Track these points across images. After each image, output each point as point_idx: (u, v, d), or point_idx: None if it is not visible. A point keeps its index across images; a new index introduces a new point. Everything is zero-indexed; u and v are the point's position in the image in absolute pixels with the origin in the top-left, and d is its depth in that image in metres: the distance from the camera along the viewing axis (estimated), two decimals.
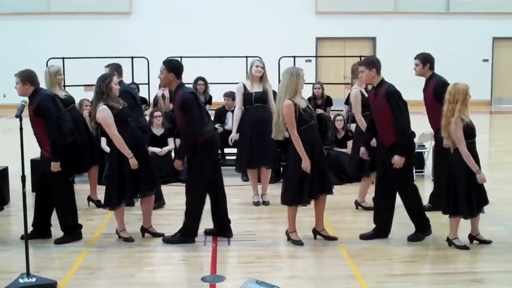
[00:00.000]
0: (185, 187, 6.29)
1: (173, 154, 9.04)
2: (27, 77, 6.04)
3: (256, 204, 7.85)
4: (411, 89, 8.94)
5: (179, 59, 7.79)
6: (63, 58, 11.47)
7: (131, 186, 6.18)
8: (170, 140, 9.29)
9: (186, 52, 13.62)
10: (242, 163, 7.97)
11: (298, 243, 6.18)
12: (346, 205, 7.72)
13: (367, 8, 21.31)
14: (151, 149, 8.51)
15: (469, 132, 5.82)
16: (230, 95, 9.74)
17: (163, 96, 10.34)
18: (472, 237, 6.16)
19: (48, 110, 6.00)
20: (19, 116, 4.93)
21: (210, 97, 10.79)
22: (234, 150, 8.41)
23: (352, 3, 21.22)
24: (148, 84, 11.95)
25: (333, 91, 12.76)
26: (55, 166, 6.01)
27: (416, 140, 7.14)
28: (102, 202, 6.58)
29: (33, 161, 7.94)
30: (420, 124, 7.92)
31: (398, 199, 6.36)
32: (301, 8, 21.33)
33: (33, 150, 6.40)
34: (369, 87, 6.81)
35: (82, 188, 8.16)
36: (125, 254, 5.99)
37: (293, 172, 6.08)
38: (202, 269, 5.54)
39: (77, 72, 12.01)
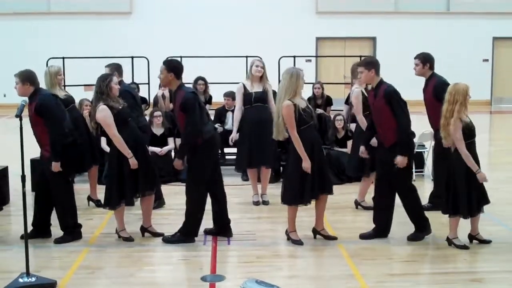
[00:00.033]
0: (185, 187, 6.29)
1: (173, 154, 9.04)
2: (26, 77, 6.04)
3: (256, 203, 7.85)
4: (411, 89, 8.96)
5: (179, 59, 7.79)
6: (63, 58, 11.49)
7: (131, 185, 6.18)
8: (170, 140, 9.29)
9: (186, 52, 13.66)
10: (242, 162, 7.96)
11: (298, 242, 6.18)
12: (346, 205, 7.72)
13: (367, 8, 21.30)
14: (151, 148, 8.52)
15: (469, 132, 5.82)
16: (230, 95, 9.73)
17: (163, 96, 10.36)
18: (471, 237, 6.16)
19: (49, 109, 5.99)
20: (19, 116, 4.92)
21: (210, 97, 10.78)
22: (234, 150, 8.40)
23: (352, 3, 21.20)
24: (148, 84, 11.96)
25: (333, 91, 12.77)
26: (56, 166, 6.00)
27: (416, 140, 7.13)
28: (102, 201, 6.58)
29: (33, 161, 7.94)
30: (420, 124, 7.92)
31: (398, 199, 6.36)
32: (301, 8, 21.32)
33: (33, 150, 6.39)
34: (369, 87, 6.81)
35: (82, 188, 8.16)
36: (125, 253, 5.99)
37: (294, 172, 6.07)
38: (202, 269, 5.53)
39: (77, 72, 12.03)
